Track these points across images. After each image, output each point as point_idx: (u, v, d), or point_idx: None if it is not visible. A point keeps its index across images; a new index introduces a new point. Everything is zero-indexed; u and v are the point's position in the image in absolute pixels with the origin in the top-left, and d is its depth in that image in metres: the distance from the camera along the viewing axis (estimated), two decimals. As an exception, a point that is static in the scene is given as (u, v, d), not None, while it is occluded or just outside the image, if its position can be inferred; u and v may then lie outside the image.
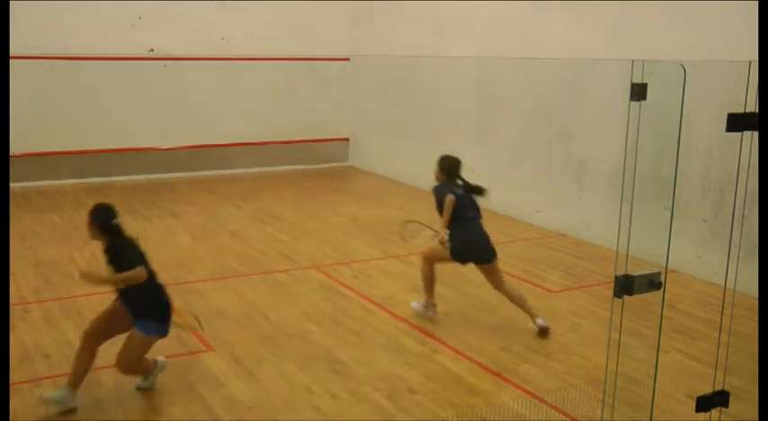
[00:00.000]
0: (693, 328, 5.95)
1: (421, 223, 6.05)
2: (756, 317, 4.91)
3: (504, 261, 7.74)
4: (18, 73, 10.09)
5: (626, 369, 4.49)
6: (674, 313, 6.18)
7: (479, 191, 5.95)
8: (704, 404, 3.63)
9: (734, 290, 4.46)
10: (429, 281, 6.07)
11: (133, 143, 12.05)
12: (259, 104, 12.78)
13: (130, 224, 9.01)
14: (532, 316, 5.83)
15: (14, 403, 4.48)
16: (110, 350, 5.34)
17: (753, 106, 3.24)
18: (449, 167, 5.93)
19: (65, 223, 9.08)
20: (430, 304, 6.13)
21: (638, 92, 2.93)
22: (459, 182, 5.95)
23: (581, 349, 5.51)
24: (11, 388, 4.62)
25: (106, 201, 10.74)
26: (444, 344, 5.57)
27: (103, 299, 6.42)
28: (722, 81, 6.49)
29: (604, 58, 8.09)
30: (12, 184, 10.15)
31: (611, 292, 3.13)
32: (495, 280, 5.90)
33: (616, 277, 3.08)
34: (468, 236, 5.81)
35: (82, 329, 5.69)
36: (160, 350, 5.36)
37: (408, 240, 6.22)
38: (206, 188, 11.56)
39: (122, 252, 4.50)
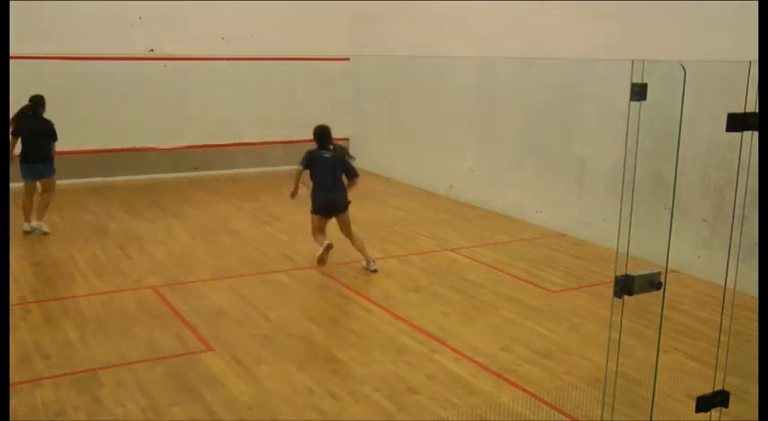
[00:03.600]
0: (693, 328, 5.95)
1: None
2: (756, 317, 4.92)
3: (504, 261, 7.78)
4: (18, 73, 10.07)
5: (626, 369, 4.49)
6: (674, 313, 6.18)
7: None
8: (704, 404, 3.63)
9: (734, 290, 4.46)
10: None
11: (133, 143, 12.05)
12: (259, 104, 12.77)
13: (130, 224, 9.06)
14: (367, 259, 7.31)
15: (14, 403, 4.48)
16: (109, 348, 5.34)
17: (753, 106, 3.24)
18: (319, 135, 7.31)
19: (65, 223, 9.09)
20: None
21: (638, 92, 2.93)
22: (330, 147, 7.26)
23: (581, 349, 5.51)
24: (11, 388, 4.62)
25: (106, 201, 10.72)
26: (444, 344, 5.57)
27: (104, 298, 6.45)
28: (722, 81, 6.50)
29: (604, 58, 8.09)
30: (12, 185, 10.14)
31: (611, 292, 3.13)
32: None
33: (616, 277, 3.07)
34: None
35: (82, 329, 5.72)
36: (160, 350, 5.37)
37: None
38: (206, 188, 11.56)
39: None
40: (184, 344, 5.49)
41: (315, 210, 7.27)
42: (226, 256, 7.83)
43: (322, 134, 7.31)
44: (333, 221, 7.37)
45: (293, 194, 7.23)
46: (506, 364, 5.21)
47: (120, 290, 6.68)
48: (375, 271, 7.22)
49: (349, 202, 7.30)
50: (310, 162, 7.19)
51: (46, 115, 8.52)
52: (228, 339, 5.57)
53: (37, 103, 8.43)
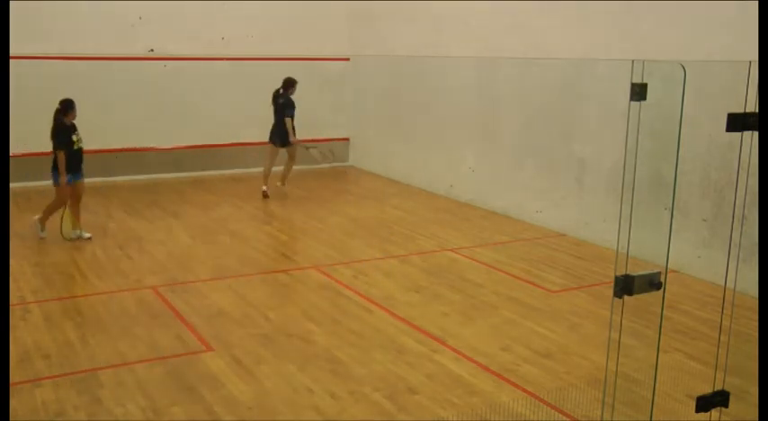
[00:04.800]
0: (693, 328, 5.95)
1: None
2: (756, 317, 4.91)
3: (504, 261, 7.78)
4: (18, 73, 10.08)
5: (626, 369, 4.49)
6: (674, 313, 6.18)
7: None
8: (704, 404, 3.63)
9: (734, 290, 4.46)
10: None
11: (133, 143, 12.04)
12: (259, 104, 12.73)
13: (130, 224, 9.06)
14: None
15: (14, 403, 4.48)
16: (109, 348, 5.35)
17: (753, 106, 3.24)
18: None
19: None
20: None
21: (638, 92, 2.93)
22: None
23: (581, 349, 5.51)
24: (11, 388, 4.62)
25: (106, 201, 10.80)
26: (444, 344, 5.57)
27: (104, 298, 6.45)
28: (722, 81, 6.49)
29: (604, 58, 8.09)
30: (12, 184, 10.14)
31: (611, 292, 3.13)
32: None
33: (616, 277, 3.07)
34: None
35: (82, 329, 5.72)
36: (160, 350, 5.38)
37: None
38: (206, 188, 11.57)
39: None
40: (184, 344, 5.49)
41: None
42: (226, 256, 7.83)
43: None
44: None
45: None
46: (506, 364, 5.22)
47: (120, 290, 6.68)
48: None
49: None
50: None
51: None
52: (228, 339, 5.58)
53: (62, 106, 8.14)
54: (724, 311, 4.49)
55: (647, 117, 3.06)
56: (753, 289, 4.61)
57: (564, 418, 4.48)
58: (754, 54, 3.54)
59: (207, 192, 11.30)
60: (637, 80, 2.93)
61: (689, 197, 7.21)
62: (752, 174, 5.32)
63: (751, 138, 3.29)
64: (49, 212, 8.23)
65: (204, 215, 9.73)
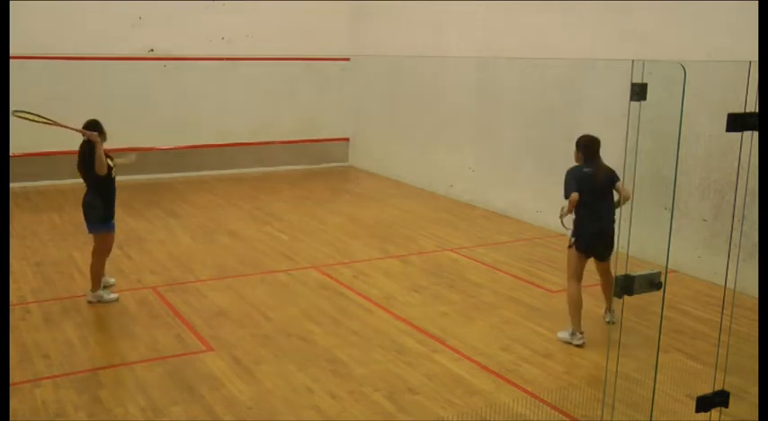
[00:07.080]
0: (693, 328, 5.95)
1: None
2: (756, 317, 4.91)
3: (504, 261, 7.78)
4: (18, 73, 10.08)
5: (626, 369, 4.49)
6: (674, 313, 6.18)
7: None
8: (704, 404, 3.63)
9: (734, 290, 4.46)
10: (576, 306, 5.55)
11: (133, 143, 12.02)
12: (259, 104, 12.77)
13: (131, 224, 9.05)
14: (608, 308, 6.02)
15: (14, 403, 4.48)
16: (109, 348, 5.35)
17: (753, 106, 3.24)
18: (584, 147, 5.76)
19: (65, 223, 9.08)
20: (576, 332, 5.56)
21: (638, 92, 2.93)
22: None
23: (581, 349, 5.51)
24: (11, 388, 4.62)
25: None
26: (444, 344, 5.57)
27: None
28: (722, 81, 6.50)
29: (604, 58, 8.09)
30: (12, 184, 10.14)
31: (611, 292, 3.13)
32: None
33: (616, 277, 3.08)
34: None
35: (82, 329, 5.72)
36: (160, 350, 5.37)
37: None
38: (206, 188, 11.56)
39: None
40: (184, 344, 5.49)
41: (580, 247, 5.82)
42: (226, 256, 7.82)
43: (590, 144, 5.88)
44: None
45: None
46: (506, 364, 5.21)
47: (120, 290, 6.68)
48: (611, 322, 5.94)
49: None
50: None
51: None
52: (228, 339, 5.57)
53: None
54: (724, 311, 4.49)
55: (647, 117, 3.06)
56: (753, 289, 4.62)
57: (564, 418, 4.48)
58: (754, 54, 3.54)
59: (207, 192, 11.30)
60: (637, 80, 2.94)
61: (689, 197, 7.21)
62: (752, 174, 5.33)
63: (751, 138, 3.29)
64: None
65: (204, 215, 9.73)
